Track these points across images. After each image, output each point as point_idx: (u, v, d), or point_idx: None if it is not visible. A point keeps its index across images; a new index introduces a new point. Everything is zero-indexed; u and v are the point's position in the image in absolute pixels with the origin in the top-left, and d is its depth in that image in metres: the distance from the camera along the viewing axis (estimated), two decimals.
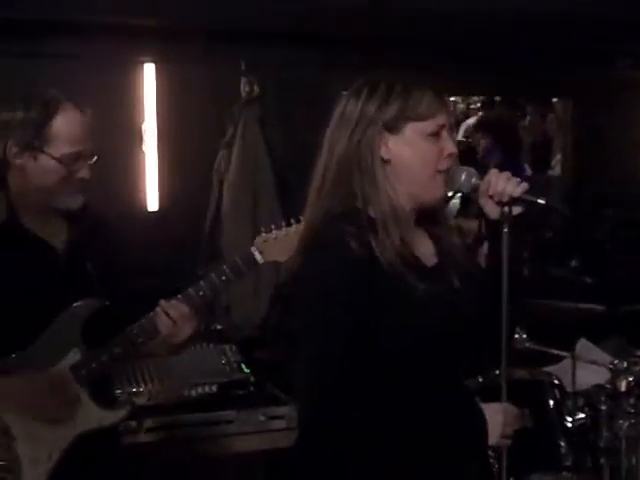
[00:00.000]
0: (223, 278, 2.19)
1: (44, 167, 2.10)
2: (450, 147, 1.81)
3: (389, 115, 1.77)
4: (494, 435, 1.76)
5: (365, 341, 1.70)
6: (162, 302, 2.16)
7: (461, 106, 6.64)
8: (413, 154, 1.79)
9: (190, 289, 2.18)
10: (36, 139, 2.08)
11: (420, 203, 1.82)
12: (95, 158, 2.17)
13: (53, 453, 2.10)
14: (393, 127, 1.77)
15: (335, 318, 1.70)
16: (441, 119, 1.79)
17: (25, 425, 2.10)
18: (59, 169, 2.10)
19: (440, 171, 1.81)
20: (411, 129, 1.78)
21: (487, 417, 1.76)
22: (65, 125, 2.09)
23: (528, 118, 6.38)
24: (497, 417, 1.77)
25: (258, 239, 2.22)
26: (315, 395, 1.70)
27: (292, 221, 2.19)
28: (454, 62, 4.36)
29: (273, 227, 2.21)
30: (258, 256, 2.21)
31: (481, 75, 4.58)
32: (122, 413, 2.20)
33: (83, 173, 2.13)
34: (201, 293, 2.18)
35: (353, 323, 1.69)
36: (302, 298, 1.76)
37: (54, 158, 2.09)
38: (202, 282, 2.19)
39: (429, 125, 1.79)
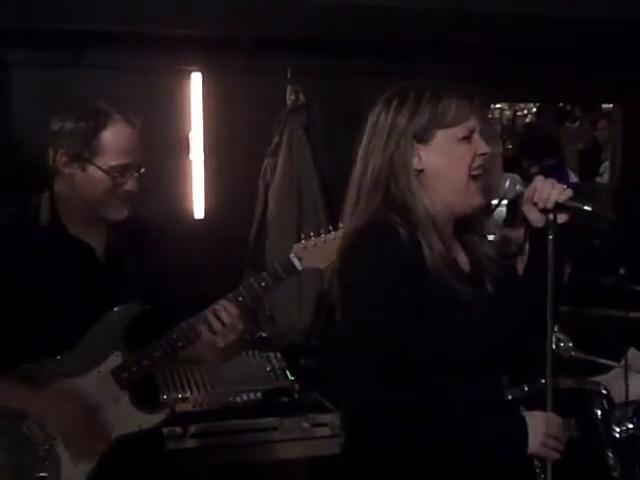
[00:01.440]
0: (262, 284, 2.21)
1: (91, 178, 2.13)
2: (482, 147, 1.82)
3: (419, 126, 1.79)
4: (535, 443, 1.74)
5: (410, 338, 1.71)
6: (222, 301, 2.18)
7: (508, 113, 6.59)
8: (446, 161, 1.80)
9: (230, 295, 2.20)
10: (85, 150, 2.12)
11: (456, 211, 1.83)
12: (142, 170, 2.20)
13: (93, 454, 2.13)
14: (423, 137, 1.79)
15: (394, 302, 1.70)
16: (471, 122, 1.80)
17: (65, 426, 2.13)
18: (106, 181, 2.13)
19: (474, 176, 1.81)
20: (442, 136, 1.80)
21: (529, 425, 1.74)
22: (113, 138, 2.13)
23: (577, 124, 6.31)
24: (539, 426, 1.75)
25: (297, 246, 2.23)
26: (372, 379, 1.70)
27: (331, 228, 2.20)
28: (502, 68, 4.33)
29: (312, 234, 2.23)
30: (297, 263, 2.22)
31: (529, 82, 4.53)
32: (161, 417, 2.22)
33: (129, 186, 2.16)
34: (240, 299, 2.19)
35: (408, 310, 1.71)
36: (357, 284, 1.75)
37: (102, 170, 2.12)
38: (241, 288, 2.20)
39: (460, 130, 1.80)
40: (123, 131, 2.14)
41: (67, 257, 2.18)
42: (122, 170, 2.14)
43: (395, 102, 1.80)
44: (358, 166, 1.84)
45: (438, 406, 1.73)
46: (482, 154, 1.81)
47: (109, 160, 2.12)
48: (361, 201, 1.82)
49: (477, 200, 1.83)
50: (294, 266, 2.22)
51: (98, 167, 2.12)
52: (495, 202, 2.09)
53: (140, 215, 2.29)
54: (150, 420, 2.20)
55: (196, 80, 4.06)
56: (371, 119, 1.84)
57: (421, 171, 1.79)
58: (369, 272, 1.73)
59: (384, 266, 1.72)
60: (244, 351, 3.32)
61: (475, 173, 1.81)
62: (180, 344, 2.18)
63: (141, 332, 2.18)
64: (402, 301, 1.70)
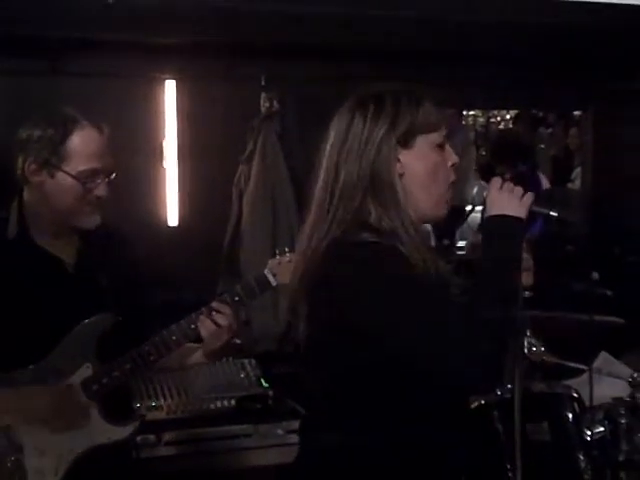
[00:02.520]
0: (236, 299, 2.22)
1: (61, 185, 2.12)
2: (453, 157, 1.82)
3: (401, 130, 1.75)
4: (516, 205, 1.75)
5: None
6: (214, 303, 2.20)
7: (481, 119, 6.64)
8: (425, 166, 1.78)
9: (203, 309, 2.20)
10: (53, 156, 2.11)
11: (424, 218, 1.83)
12: (113, 175, 2.19)
13: (60, 466, 2.12)
14: (405, 141, 1.76)
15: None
16: (444, 131, 1.81)
17: (33, 437, 2.11)
18: (75, 186, 2.12)
19: (448, 185, 1.82)
20: (422, 141, 1.78)
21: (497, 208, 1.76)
22: (81, 143, 2.12)
23: (550, 130, 6.37)
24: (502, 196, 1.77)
25: (272, 262, 2.25)
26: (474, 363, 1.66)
27: None
28: (475, 75, 4.36)
29: (287, 250, 2.23)
30: (271, 278, 2.24)
31: (502, 88, 4.57)
32: (130, 429, 2.21)
33: (100, 191, 2.15)
34: (214, 313, 2.20)
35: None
36: (398, 291, 1.67)
37: (70, 175, 2.11)
38: (214, 303, 2.22)
39: (437, 136, 1.80)
40: (91, 136, 2.14)
41: (35, 270, 2.16)
42: (91, 175, 2.13)
43: (371, 107, 1.76)
44: (327, 175, 1.77)
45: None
46: (453, 164, 1.82)
47: (78, 165, 2.11)
48: (332, 211, 1.75)
49: (444, 210, 1.83)
50: (268, 282, 2.25)
51: (67, 173, 2.11)
52: (468, 208, 2.10)
53: (113, 223, 2.29)
54: (120, 432, 2.19)
55: (170, 87, 4.06)
56: (340, 125, 1.78)
57: (401, 175, 1.76)
58: (398, 276, 1.68)
59: (402, 266, 1.69)
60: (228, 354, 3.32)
61: (449, 181, 1.82)
62: (152, 357, 2.18)
63: (114, 343, 2.17)
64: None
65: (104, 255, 2.22)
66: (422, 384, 1.72)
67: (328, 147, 1.80)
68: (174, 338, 2.20)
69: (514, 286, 1.70)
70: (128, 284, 2.24)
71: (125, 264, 2.26)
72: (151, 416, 3.05)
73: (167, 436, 3.01)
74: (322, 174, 1.79)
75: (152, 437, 2.97)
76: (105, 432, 2.16)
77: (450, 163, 1.81)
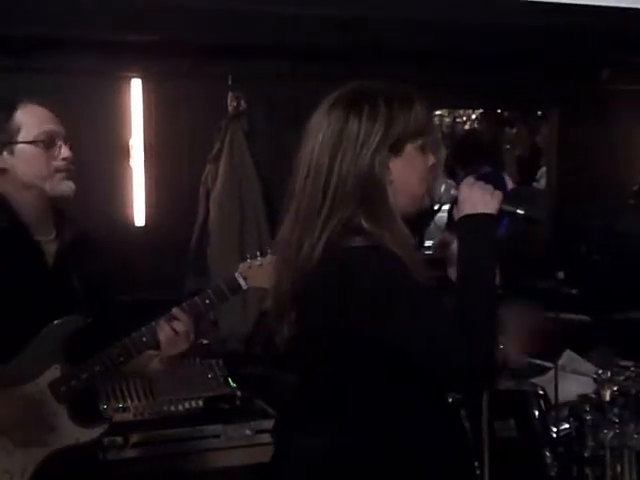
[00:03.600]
0: (207, 302, 2.22)
1: (23, 155, 2.13)
2: (432, 158, 1.82)
3: (394, 138, 1.73)
4: (485, 203, 1.77)
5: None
6: (174, 310, 2.20)
7: (447, 120, 6.67)
8: (412, 171, 1.78)
9: (174, 309, 2.20)
10: (4, 134, 2.12)
11: (405, 215, 1.83)
12: (69, 147, 2.18)
13: (27, 467, 2.10)
14: (396, 149, 1.75)
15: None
16: (428, 133, 1.80)
17: (0, 439, 2.09)
18: (36, 152, 2.13)
19: (427, 184, 1.83)
20: (410, 147, 1.77)
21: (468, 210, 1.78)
22: (27, 114, 2.15)
23: (515, 130, 6.42)
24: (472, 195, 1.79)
25: (242, 265, 2.25)
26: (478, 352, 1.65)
27: None
28: (440, 75, 4.38)
29: (258, 253, 2.24)
30: (242, 282, 2.24)
31: (468, 88, 4.60)
32: (99, 431, 2.20)
33: (64, 152, 2.16)
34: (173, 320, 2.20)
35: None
36: (398, 293, 1.67)
37: (27, 142, 2.12)
38: (185, 305, 2.21)
39: (422, 140, 1.79)
40: (36, 110, 2.17)
41: (25, 260, 2.15)
42: (48, 139, 2.14)
43: (366, 108, 1.72)
44: (317, 175, 1.72)
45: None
46: (433, 165, 1.82)
47: (31, 131, 2.13)
48: (326, 213, 1.71)
49: (419, 207, 1.83)
50: (239, 285, 2.25)
51: (23, 142, 2.12)
52: (436, 207, 2.11)
53: (83, 224, 2.28)
54: (88, 434, 2.18)
55: (136, 86, 4.03)
56: (336, 125, 1.72)
57: (390, 182, 1.75)
58: (398, 276, 1.67)
59: (402, 268, 1.68)
60: (185, 358, 3.31)
61: (430, 181, 1.82)
62: (121, 359, 2.17)
63: (83, 344, 2.15)
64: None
65: (77, 256, 2.21)
66: (419, 383, 1.73)
67: (316, 147, 1.74)
68: (144, 340, 2.19)
69: (495, 282, 1.71)
70: (97, 285, 2.23)
71: (95, 265, 2.25)
72: (118, 418, 3.03)
73: (134, 438, 2.99)
74: (310, 175, 1.74)
75: (119, 439, 2.95)
76: (73, 434, 2.14)
77: (430, 163, 1.82)
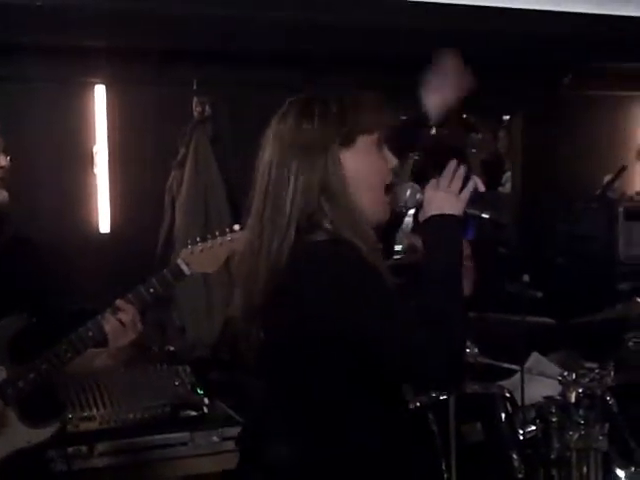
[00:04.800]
0: (151, 290, 2.21)
1: None
2: (391, 158, 1.83)
3: (344, 130, 1.74)
4: (450, 204, 1.80)
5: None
6: (118, 301, 2.18)
7: None
8: (365, 167, 1.78)
9: (118, 301, 2.19)
10: None
11: (371, 221, 1.82)
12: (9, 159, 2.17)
13: None
14: (347, 141, 1.76)
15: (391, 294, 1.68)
16: (383, 131, 1.81)
17: None
18: None
19: (386, 188, 1.82)
20: (362, 142, 1.78)
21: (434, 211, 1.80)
22: None
23: (479, 135, 6.46)
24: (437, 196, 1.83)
25: (184, 251, 2.26)
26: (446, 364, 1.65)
27: (217, 233, 2.24)
28: (405, 80, 4.40)
29: (198, 239, 2.24)
30: (185, 267, 2.24)
31: None
32: (51, 431, 2.17)
33: (1, 161, 2.15)
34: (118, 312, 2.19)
35: None
36: (363, 289, 1.66)
37: None
38: (130, 295, 2.21)
39: (376, 137, 1.79)
40: None
41: None
42: None
43: (317, 110, 1.75)
44: (278, 179, 1.73)
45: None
46: (391, 167, 1.83)
47: None
48: (288, 212, 1.72)
49: (385, 214, 1.83)
50: (181, 271, 2.25)
51: None
52: (403, 212, 2.11)
53: (34, 228, 2.27)
54: (40, 435, 2.16)
55: (100, 92, 4.00)
56: (291, 128, 1.74)
57: (347, 178, 1.75)
58: (364, 275, 1.67)
59: (364, 261, 1.68)
60: (152, 365, 3.28)
61: (388, 182, 1.83)
62: (68, 355, 2.15)
63: (30, 344, 2.13)
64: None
65: (19, 258, 2.20)
66: (383, 384, 1.73)
67: (274, 151, 1.76)
68: (90, 334, 2.18)
69: (460, 282, 1.72)
70: (48, 288, 2.24)
71: (40, 267, 2.25)
72: (84, 427, 2.99)
73: (100, 447, 2.96)
74: (271, 179, 1.75)
75: (84, 448, 2.91)
76: (25, 435, 2.13)
77: (390, 164, 1.82)
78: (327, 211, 1.73)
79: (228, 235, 2.25)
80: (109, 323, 2.16)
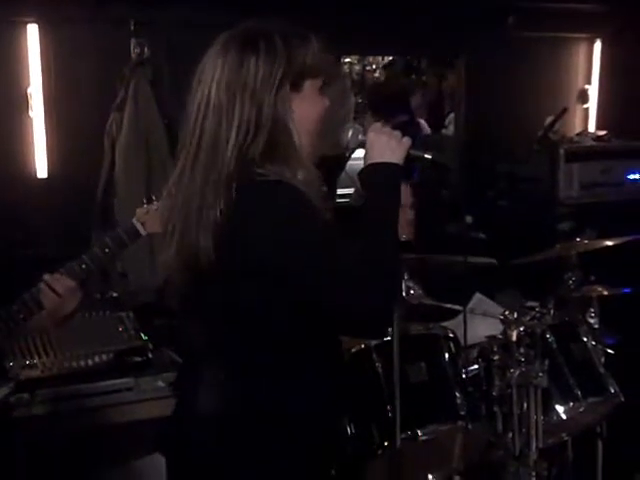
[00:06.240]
0: (106, 250, 2.18)
1: None
2: (326, 100, 1.81)
3: (293, 74, 1.70)
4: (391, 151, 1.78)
5: None
6: (46, 276, 2.10)
7: (357, 67, 6.64)
8: (312, 110, 1.76)
9: (73, 263, 2.14)
10: None
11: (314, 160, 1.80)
12: None
13: None
14: (296, 84, 1.72)
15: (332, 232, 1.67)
16: (325, 74, 1.78)
17: None
18: None
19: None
20: (309, 86, 1.75)
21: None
22: None
23: (424, 78, 6.44)
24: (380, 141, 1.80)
25: (139, 211, 2.22)
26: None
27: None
28: (348, 22, 4.35)
29: (154, 198, 2.20)
30: (140, 227, 2.21)
31: (377, 36, 4.58)
32: (5, 391, 2.14)
33: None
34: (84, 266, 2.15)
35: None
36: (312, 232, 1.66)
37: None
38: (85, 256, 2.16)
39: (320, 81, 1.77)
40: None
41: None
42: None
43: (262, 46, 1.67)
44: (217, 113, 1.67)
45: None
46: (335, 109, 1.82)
47: None
48: (229, 150, 1.66)
49: (322, 151, 1.82)
50: (137, 231, 2.22)
51: None
52: (347, 154, 2.10)
53: None
54: None
55: (33, 32, 3.87)
56: (232, 64, 1.67)
57: (292, 121, 1.71)
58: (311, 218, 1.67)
59: (305, 202, 1.66)
60: (95, 312, 3.24)
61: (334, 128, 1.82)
62: (21, 315, 2.11)
63: None
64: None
65: None
66: (326, 327, 1.74)
67: (212, 88, 1.68)
68: (29, 305, 2.12)
69: (396, 228, 1.72)
70: None
71: None
72: (26, 375, 2.95)
73: (43, 394, 2.92)
74: (207, 116, 1.69)
75: (26, 396, 2.87)
76: None
77: (325, 105, 1.80)
78: (270, 153, 1.69)
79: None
80: (46, 296, 2.08)
